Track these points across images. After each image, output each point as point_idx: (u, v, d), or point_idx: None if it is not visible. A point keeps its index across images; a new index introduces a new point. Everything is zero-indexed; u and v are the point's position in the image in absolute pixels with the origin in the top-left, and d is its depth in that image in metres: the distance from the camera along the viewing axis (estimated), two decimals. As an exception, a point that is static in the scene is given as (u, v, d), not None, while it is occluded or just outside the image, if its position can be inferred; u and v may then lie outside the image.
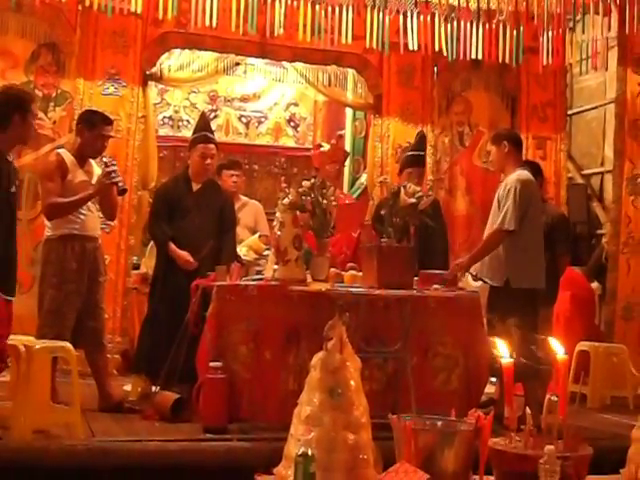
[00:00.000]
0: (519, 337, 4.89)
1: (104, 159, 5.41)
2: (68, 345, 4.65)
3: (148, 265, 6.80)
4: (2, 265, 4.22)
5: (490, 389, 5.75)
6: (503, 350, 2.92)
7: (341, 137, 7.75)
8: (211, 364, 4.71)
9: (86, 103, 6.95)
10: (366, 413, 2.91)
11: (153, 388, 5.50)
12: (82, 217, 5.20)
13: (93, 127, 5.29)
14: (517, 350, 3.06)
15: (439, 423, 2.82)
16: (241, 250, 5.96)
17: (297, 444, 2.80)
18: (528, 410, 2.82)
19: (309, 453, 2.62)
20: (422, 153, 6.57)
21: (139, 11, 6.64)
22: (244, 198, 6.97)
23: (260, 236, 6.45)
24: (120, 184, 5.18)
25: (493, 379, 5.67)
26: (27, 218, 6.88)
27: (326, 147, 7.93)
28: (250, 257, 5.97)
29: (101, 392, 5.28)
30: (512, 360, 2.87)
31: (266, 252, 6.02)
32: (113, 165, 5.18)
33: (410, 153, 6.57)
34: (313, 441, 2.77)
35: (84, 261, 5.22)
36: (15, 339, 4.65)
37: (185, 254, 5.62)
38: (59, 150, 5.37)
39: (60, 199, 5.10)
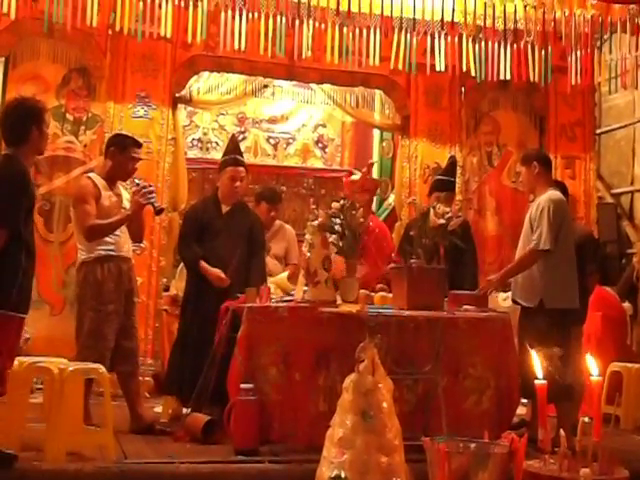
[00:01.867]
0: (551, 358, 4.85)
1: (135, 180, 5.48)
2: (101, 367, 4.67)
3: (178, 287, 6.83)
4: (24, 282, 4.20)
5: (521, 410, 5.71)
6: (536, 371, 2.90)
7: (372, 165, 7.77)
8: (242, 386, 4.72)
9: (116, 126, 7.03)
10: (399, 435, 2.91)
11: (184, 410, 5.51)
12: (116, 238, 5.25)
13: (125, 150, 5.35)
14: (550, 371, 3.03)
15: (473, 445, 2.82)
16: (270, 286, 5.95)
17: (330, 466, 2.80)
18: (562, 432, 2.80)
19: (342, 476, 2.63)
20: (452, 179, 6.55)
21: (168, 35, 6.70)
22: (279, 222, 6.92)
23: (288, 265, 6.45)
24: (156, 204, 5.25)
25: (524, 400, 5.63)
26: (58, 241, 6.97)
27: (357, 176, 7.91)
28: (277, 295, 5.96)
29: (133, 414, 5.29)
30: (545, 381, 2.85)
31: (293, 292, 6.01)
32: (150, 186, 5.26)
33: (439, 177, 6.57)
34: (346, 463, 2.78)
35: (121, 282, 5.27)
36: (48, 361, 4.69)
37: (217, 271, 5.64)
38: (90, 174, 5.42)
39: (99, 221, 5.15)
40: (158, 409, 5.89)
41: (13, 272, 4.13)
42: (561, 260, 5.27)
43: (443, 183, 6.39)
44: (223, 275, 5.62)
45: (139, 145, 5.54)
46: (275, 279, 6.07)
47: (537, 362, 2.94)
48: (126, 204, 5.37)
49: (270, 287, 5.72)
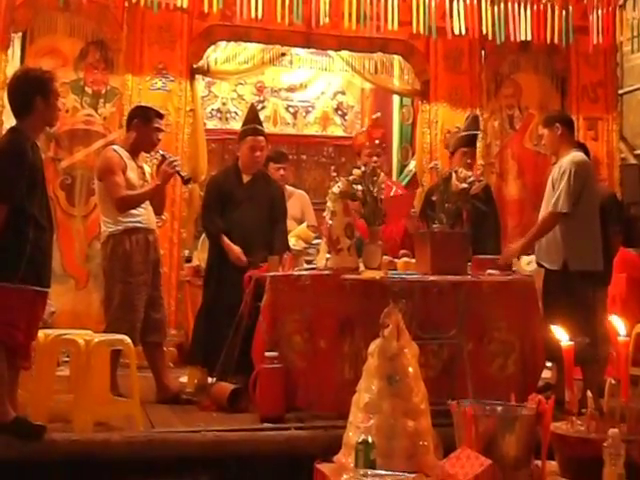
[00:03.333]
0: (577, 320, 4.83)
1: (160, 152, 5.50)
2: (126, 338, 4.70)
3: (200, 258, 6.85)
4: (34, 254, 4.17)
5: (546, 374, 5.69)
6: (562, 334, 2.89)
7: (377, 119, 7.66)
8: (267, 354, 4.73)
9: (135, 99, 7.02)
10: (425, 399, 2.91)
11: (209, 379, 5.54)
12: (142, 210, 5.28)
13: (149, 121, 5.37)
14: (575, 333, 3.02)
15: (499, 408, 2.81)
16: (290, 240, 5.97)
17: (357, 432, 2.81)
18: (589, 393, 2.79)
19: (369, 440, 2.63)
20: (477, 132, 6.49)
21: (185, 6, 6.68)
22: (290, 188, 6.97)
23: (308, 226, 6.45)
24: (183, 173, 5.28)
25: (549, 364, 5.61)
26: (81, 214, 6.99)
27: (362, 132, 7.79)
28: (299, 246, 5.98)
29: (159, 384, 5.33)
30: (572, 343, 2.84)
31: (315, 241, 6.03)
32: (176, 159, 5.29)
33: (464, 133, 6.50)
34: (373, 428, 2.78)
35: (148, 253, 5.30)
36: (73, 333, 4.72)
37: (238, 250, 5.64)
38: (114, 147, 5.43)
39: (130, 192, 5.17)
40: (183, 379, 5.93)
41: (19, 246, 4.08)
42: (584, 222, 5.22)
43: (469, 138, 6.31)
44: (243, 256, 5.62)
45: (162, 116, 5.58)
46: (296, 231, 6.09)
47: (562, 325, 2.93)
48: (148, 177, 5.40)
49: (291, 240, 5.75)
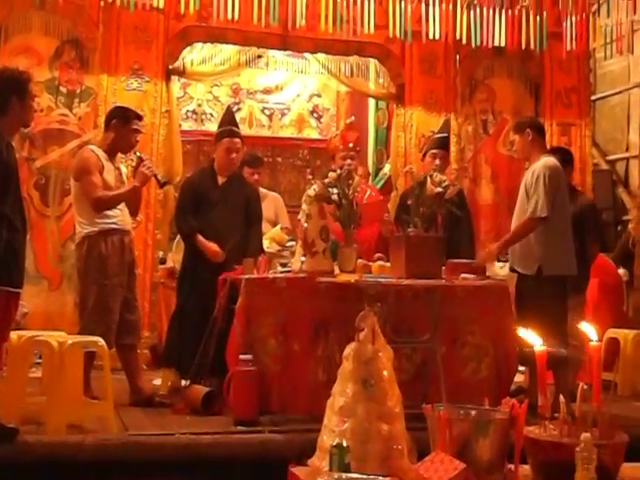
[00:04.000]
0: (549, 325, 4.87)
1: (137, 153, 5.48)
2: (100, 340, 4.68)
3: (175, 259, 6.83)
4: (7, 255, 4.12)
5: (519, 378, 5.73)
6: (535, 338, 2.91)
7: (351, 123, 7.71)
8: (241, 357, 4.73)
9: (110, 99, 6.99)
10: (399, 403, 2.92)
11: (183, 382, 5.53)
12: (118, 211, 5.26)
13: (127, 122, 5.35)
14: (548, 338, 3.04)
15: (473, 412, 2.83)
16: (264, 242, 5.98)
17: (331, 435, 2.81)
18: (562, 398, 2.81)
19: (344, 444, 2.64)
20: (446, 135, 6.54)
21: (161, 6, 6.66)
22: (264, 191, 6.97)
23: (282, 228, 6.45)
24: (160, 176, 5.28)
25: (521, 368, 5.65)
26: (55, 215, 6.95)
27: (336, 135, 7.81)
28: (273, 249, 5.99)
29: (132, 386, 5.31)
30: (544, 348, 2.86)
31: (289, 243, 6.03)
32: (147, 159, 5.28)
33: (435, 136, 6.56)
34: (347, 432, 2.78)
35: (123, 255, 5.28)
36: (47, 335, 4.70)
37: (213, 245, 5.64)
38: (91, 147, 5.40)
39: (107, 192, 5.15)
40: (157, 381, 5.91)
41: None
42: (558, 227, 5.26)
43: (439, 140, 6.38)
44: (219, 249, 5.62)
45: (141, 118, 5.57)
46: (270, 234, 6.10)
47: (534, 330, 2.95)
48: (124, 178, 5.38)
49: (264, 243, 5.75)
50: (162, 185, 5.52)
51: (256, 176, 6.77)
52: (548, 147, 6.26)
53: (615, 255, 8.00)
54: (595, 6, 7.39)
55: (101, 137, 5.66)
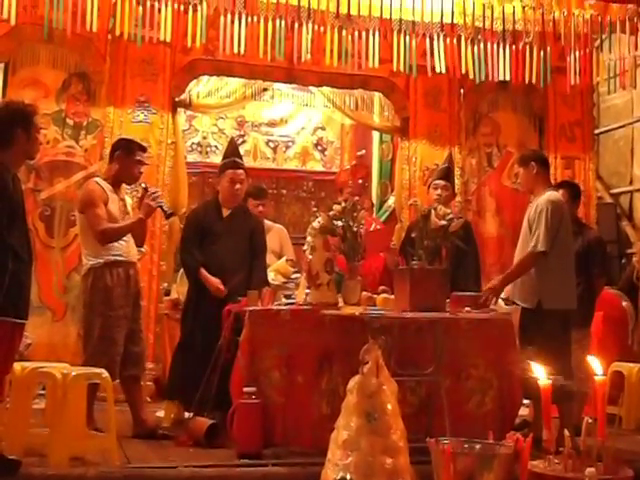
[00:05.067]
0: (552, 358, 4.86)
1: (142, 184, 5.51)
2: (104, 372, 4.67)
3: (179, 291, 6.84)
4: (13, 286, 4.14)
5: (523, 411, 5.71)
6: (540, 372, 2.91)
7: (362, 157, 7.75)
8: (245, 389, 4.72)
9: (116, 131, 7.04)
10: (403, 437, 2.92)
11: (186, 414, 5.51)
12: (124, 243, 5.27)
13: (131, 153, 5.38)
14: (552, 372, 3.04)
15: (477, 446, 2.82)
16: (269, 274, 5.98)
17: (335, 469, 2.81)
18: (566, 432, 2.81)
19: (347, 478, 2.63)
20: (448, 166, 6.58)
21: (168, 39, 6.71)
22: (268, 223, 6.99)
23: (287, 260, 6.46)
24: (165, 207, 5.29)
25: (526, 401, 5.63)
26: (60, 246, 6.96)
27: (346, 169, 7.94)
28: (278, 281, 5.98)
29: (136, 419, 5.30)
30: (549, 382, 2.86)
31: (294, 275, 6.04)
32: (157, 191, 5.31)
33: (438, 168, 6.62)
34: (351, 466, 2.78)
35: (129, 286, 5.29)
36: (50, 366, 4.69)
37: (216, 281, 5.65)
38: (95, 179, 5.43)
39: (112, 224, 5.17)
40: (160, 413, 5.89)
41: None
42: (559, 261, 5.26)
43: (440, 171, 6.44)
44: (222, 286, 5.63)
45: (144, 149, 5.59)
46: (275, 266, 6.10)
47: (539, 363, 2.95)
48: (129, 209, 5.41)
49: (270, 275, 5.76)
50: (168, 216, 5.55)
51: (261, 208, 6.80)
52: (555, 181, 6.29)
53: (619, 288, 7.98)
54: (598, 41, 7.43)
55: (105, 169, 5.68)
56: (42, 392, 5.18)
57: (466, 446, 2.81)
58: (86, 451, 4.63)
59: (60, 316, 6.91)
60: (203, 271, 5.72)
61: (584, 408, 5.25)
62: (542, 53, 7.20)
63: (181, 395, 5.61)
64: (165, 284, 7.33)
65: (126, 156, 5.38)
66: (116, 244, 5.22)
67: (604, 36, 7.30)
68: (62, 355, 6.09)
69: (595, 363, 2.83)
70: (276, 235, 6.93)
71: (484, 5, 7.02)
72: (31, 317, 4.59)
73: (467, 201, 8.10)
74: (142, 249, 6.26)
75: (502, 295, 5.51)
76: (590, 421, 2.83)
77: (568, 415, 4.95)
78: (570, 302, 5.29)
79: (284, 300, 5.45)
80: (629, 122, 8.96)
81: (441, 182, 6.26)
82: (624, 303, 7.55)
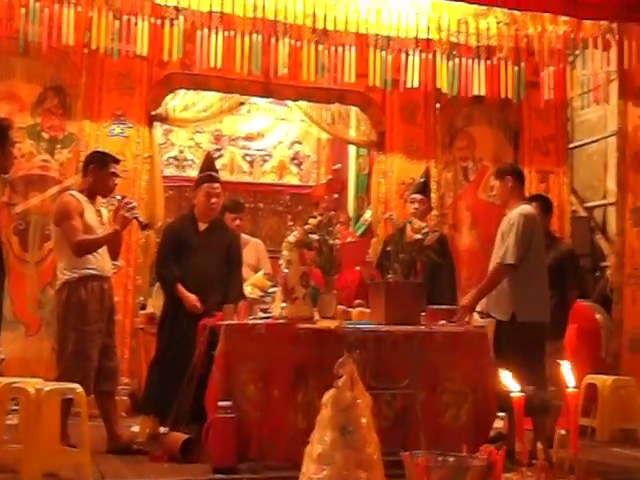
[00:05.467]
0: (527, 370, 4.89)
1: (117, 197, 5.50)
2: (78, 387, 4.63)
3: (155, 305, 6.82)
4: None
5: (498, 424, 5.73)
6: (513, 385, 2.92)
7: (337, 171, 7.80)
8: (220, 403, 4.70)
9: (92, 145, 7.01)
10: (378, 450, 2.92)
11: (161, 429, 5.48)
12: (98, 257, 5.25)
13: (105, 166, 5.37)
14: (525, 384, 3.06)
15: (451, 459, 2.83)
16: (246, 288, 5.98)
17: (309, 483, 2.80)
18: (539, 445, 2.83)
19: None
20: (424, 180, 6.63)
21: (144, 53, 6.72)
22: (245, 237, 7.01)
23: (264, 274, 6.46)
24: (141, 219, 5.28)
25: (501, 414, 5.65)
26: (34, 260, 6.92)
27: (323, 181, 7.98)
28: (255, 295, 5.98)
29: (110, 434, 5.26)
30: (522, 394, 2.87)
31: (271, 289, 6.04)
32: (132, 202, 5.30)
33: (415, 182, 6.67)
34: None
35: (103, 301, 5.27)
36: (23, 381, 4.65)
37: (193, 298, 5.63)
38: (71, 192, 5.41)
39: (88, 236, 5.15)
40: (135, 428, 5.85)
41: None
42: (532, 274, 5.29)
43: (417, 185, 6.49)
44: (198, 303, 5.62)
45: (118, 161, 5.57)
46: (252, 280, 6.10)
47: (512, 376, 2.96)
48: (105, 221, 5.39)
49: (246, 289, 5.76)
50: (144, 227, 5.53)
51: (238, 221, 6.81)
52: (527, 195, 6.34)
53: (593, 301, 8.04)
54: (571, 57, 7.52)
55: (80, 182, 5.67)
56: (15, 407, 5.13)
57: (439, 459, 2.82)
58: (60, 467, 4.59)
59: (34, 331, 6.86)
60: (180, 287, 5.70)
61: (558, 420, 5.27)
62: (516, 68, 7.28)
63: (156, 409, 5.58)
64: (141, 298, 7.31)
65: (100, 169, 5.36)
66: (91, 258, 5.20)
67: (577, 52, 7.39)
68: (36, 370, 6.05)
69: (568, 375, 2.85)
70: (253, 249, 6.93)
71: (459, 21, 7.10)
72: (4, 332, 4.57)
73: (443, 215, 8.14)
74: (117, 263, 6.24)
75: (477, 308, 5.53)
76: (563, 433, 2.85)
77: (542, 427, 4.97)
78: (544, 315, 5.32)
79: (261, 314, 5.45)
80: (602, 137, 9.05)
81: (418, 196, 6.32)
82: (597, 316, 7.61)
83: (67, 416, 4.97)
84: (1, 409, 4.58)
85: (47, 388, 4.50)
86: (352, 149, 9.40)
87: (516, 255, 5.18)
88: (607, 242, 8.80)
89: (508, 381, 2.94)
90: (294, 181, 10.26)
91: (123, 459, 5.03)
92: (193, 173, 8.58)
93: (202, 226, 5.93)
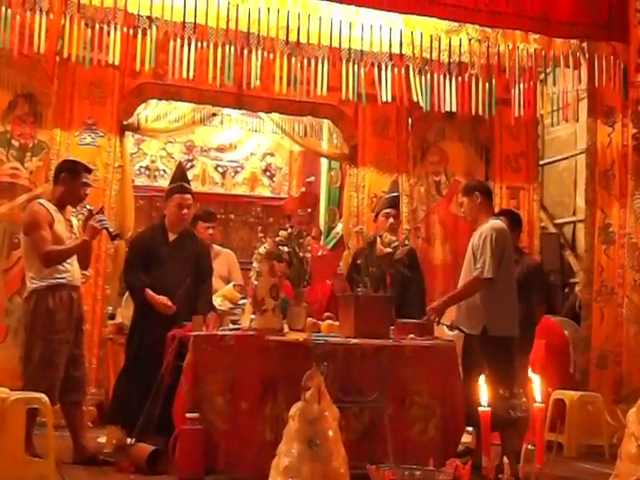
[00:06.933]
0: (497, 385, 4.91)
1: (87, 207, 5.47)
2: (43, 397, 4.59)
3: (124, 315, 6.77)
4: None
5: (466, 438, 5.75)
6: (480, 399, 2.93)
7: (310, 184, 7.81)
8: (187, 415, 4.69)
9: (63, 153, 6.96)
10: (345, 463, 2.92)
11: (129, 440, 5.44)
12: (68, 266, 5.21)
13: (76, 175, 5.33)
14: (493, 399, 3.07)
15: (417, 473, 2.83)
16: (216, 300, 5.96)
17: (276, 495, 2.79)
18: (505, 459, 2.84)
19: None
20: (396, 194, 6.66)
21: (116, 62, 6.68)
22: (217, 247, 7.00)
23: (234, 285, 6.45)
24: (111, 229, 5.25)
25: (469, 428, 5.67)
26: (2, 268, 6.84)
27: (296, 194, 7.99)
28: (225, 307, 5.97)
29: (76, 444, 5.22)
30: (489, 409, 2.88)
31: (241, 301, 6.03)
32: (102, 212, 5.26)
33: (387, 196, 6.68)
34: (292, 492, 2.77)
35: (72, 310, 5.23)
36: (-12, 391, 4.60)
37: (163, 298, 5.61)
38: (40, 200, 5.37)
39: (56, 247, 5.11)
40: (102, 439, 5.81)
41: None
42: (503, 288, 5.33)
43: (391, 199, 6.50)
44: (169, 302, 5.60)
45: (90, 171, 5.55)
46: (222, 291, 6.09)
47: (480, 390, 2.98)
48: (75, 231, 5.36)
49: (217, 300, 5.74)
50: (113, 237, 5.49)
51: (210, 231, 6.80)
52: (497, 210, 6.38)
53: (562, 317, 8.10)
54: (542, 75, 7.59)
55: (50, 190, 5.63)
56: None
57: (406, 473, 2.82)
58: (24, 477, 4.54)
59: (1, 339, 6.78)
60: (149, 291, 5.68)
61: (525, 435, 5.29)
62: (487, 85, 7.34)
63: (123, 420, 5.54)
64: (110, 308, 7.25)
65: (71, 178, 5.33)
66: (60, 267, 5.16)
67: (548, 70, 7.45)
68: (2, 379, 5.93)
69: (535, 390, 2.86)
70: (224, 260, 6.92)
71: (431, 37, 7.14)
72: (-30, 340, 4.51)
73: (416, 228, 8.16)
74: (86, 272, 6.20)
75: (447, 322, 5.56)
76: (530, 448, 2.87)
77: (509, 442, 4.99)
78: (514, 329, 5.36)
79: (231, 326, 5.44)
80: (572, 154, 9.15)
81: (393, 211, 6.34)
82: (566, 331, 7.67)
83: (32, 426, 4.93)
84: (-35, 419, 4.53)
85: (12, 397, 4.46)
86: (324, 162, 9.42)
87: (493, 269, 5.23)
88: (576, 259, 8.88)
89: (477, 395, 2.95)
90: (266, 193, 10.26)
91: (89, 470, 5.00)
92: (164, 183, 8.55)
93: (172, 236, 5.92)
